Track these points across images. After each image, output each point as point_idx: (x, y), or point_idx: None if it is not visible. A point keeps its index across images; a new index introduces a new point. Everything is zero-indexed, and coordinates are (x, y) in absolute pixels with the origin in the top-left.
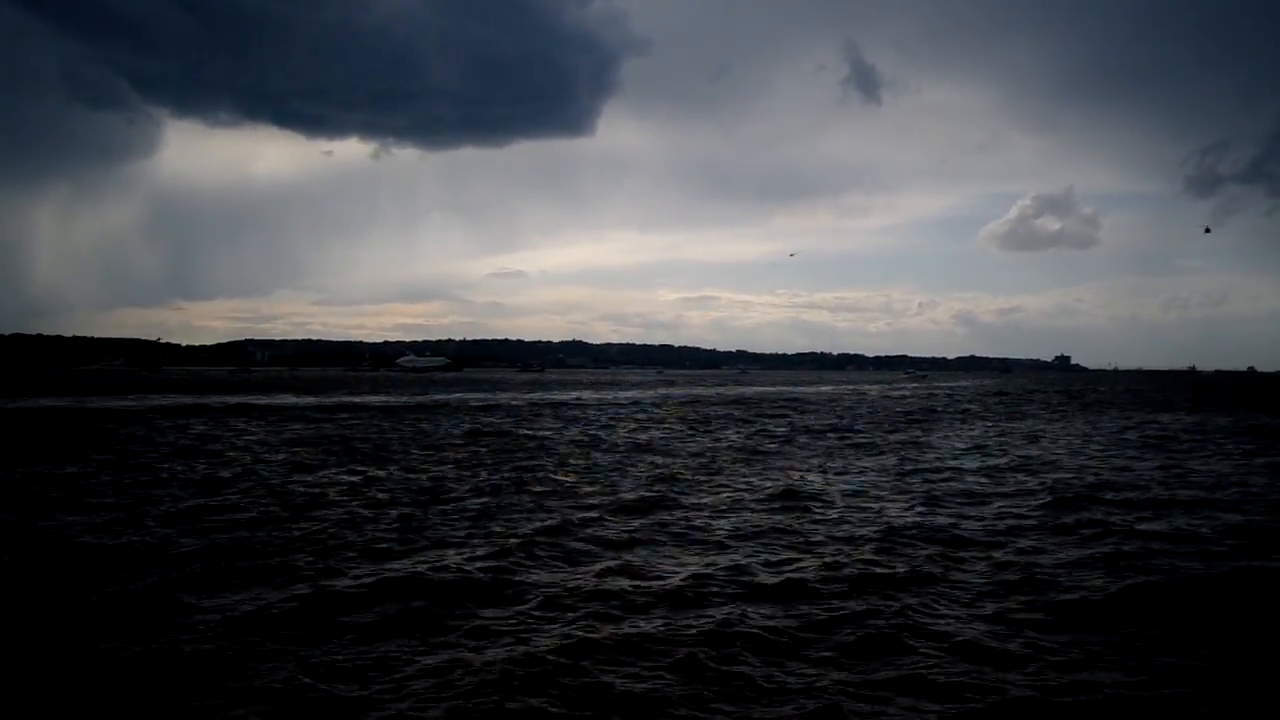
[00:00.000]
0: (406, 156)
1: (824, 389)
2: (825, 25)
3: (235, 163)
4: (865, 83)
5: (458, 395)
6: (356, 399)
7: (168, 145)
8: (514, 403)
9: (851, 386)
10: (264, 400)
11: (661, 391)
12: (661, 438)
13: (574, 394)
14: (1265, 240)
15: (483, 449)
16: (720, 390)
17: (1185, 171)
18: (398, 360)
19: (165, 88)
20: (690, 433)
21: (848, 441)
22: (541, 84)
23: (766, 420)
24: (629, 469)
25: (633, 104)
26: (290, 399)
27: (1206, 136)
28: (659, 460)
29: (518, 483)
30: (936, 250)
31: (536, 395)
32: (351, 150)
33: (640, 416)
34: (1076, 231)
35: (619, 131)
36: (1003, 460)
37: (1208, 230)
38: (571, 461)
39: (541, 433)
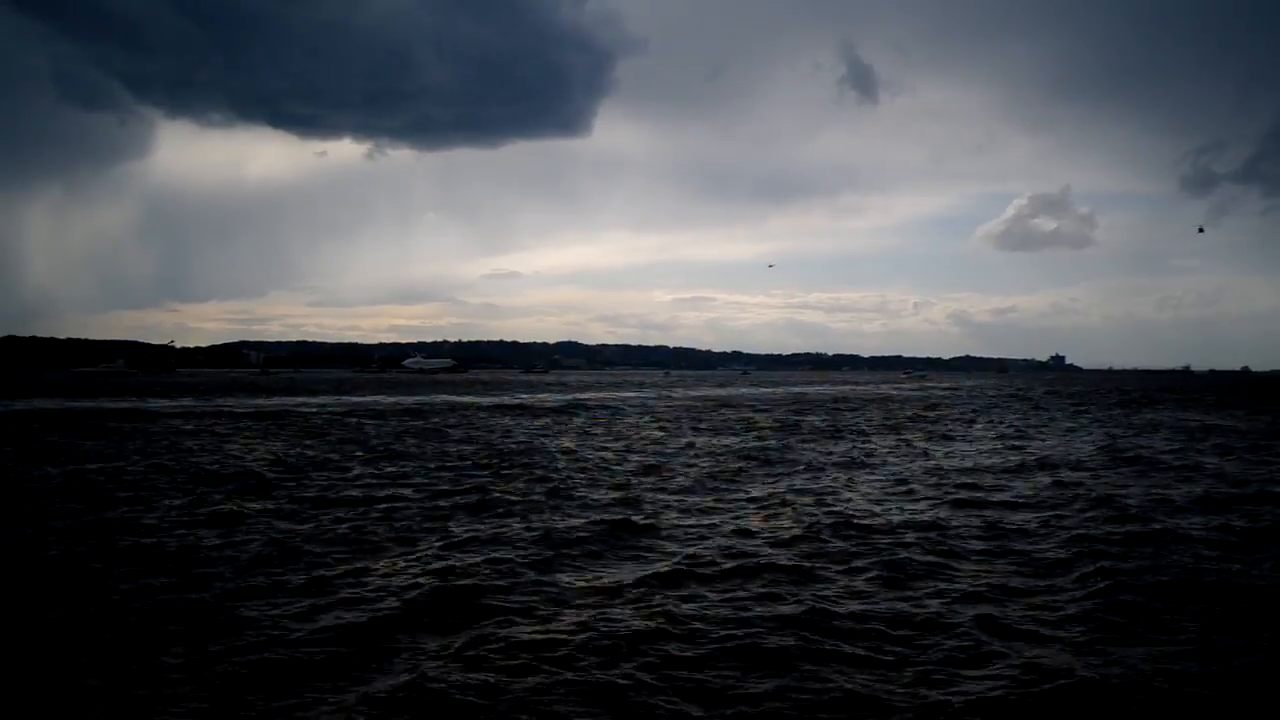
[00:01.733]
0: (401, 157)
1: (858, 389)
2: (822, 24)
3: (228, 164)
4: (862, 82)
5: (539, 396)
6: (463, 398)
7: (160, 146)
8: (631, 403)
9: (887, 386)
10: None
11: (701, 393)
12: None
13: (636, 393)
14: (1260, 239)
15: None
16: (770, 390)
17: (1181, 171)
18: (404, 362)
19: (158, 88)
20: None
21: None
22: (537, 84)
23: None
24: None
25: (628, 104)
26: (384, 399)
27: (1202, 136)
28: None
29: None
30: (932, 250)
31: (633, 395)
32: (345, 151)
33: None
34: (1072, 231)
35: (614, 132)
36: None
37: (1201, 230)
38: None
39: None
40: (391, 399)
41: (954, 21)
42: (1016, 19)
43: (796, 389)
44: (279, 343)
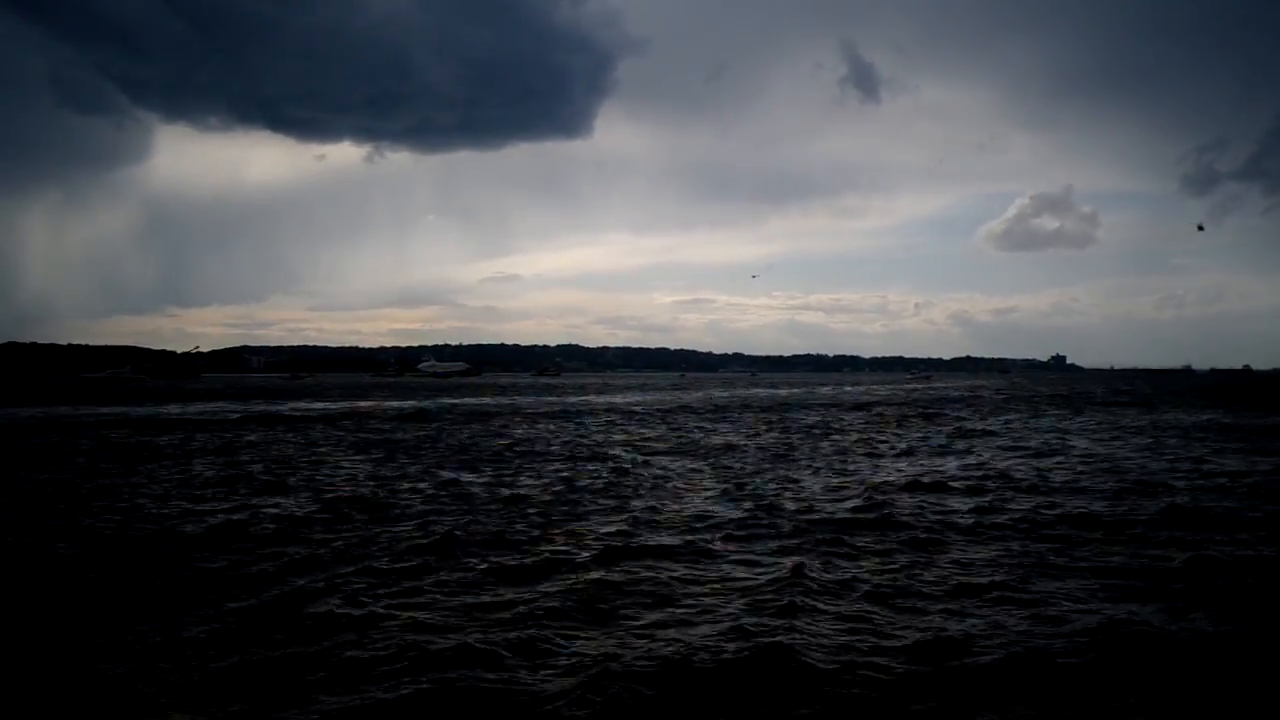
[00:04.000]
0: (401, 160)
1: (907, 388)
2: (823, 24)
3: (227, 168)
4: (864, 82)
5: (633, 399)
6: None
7: (159, 151)
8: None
9: (921, 387)
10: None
11: (763, 392)
12: None
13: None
14: (1262, 238)
15: None
16: (825, 391)
17: (1183, 169)
18: (419, 365)
19: (155, 92)
20: None
21: None
22: (537, 85)
23: None
24: None
25: (629, 105)
26: (474, 400)
27: (1204, 134)
28: None
29: None
30: (933, 251)
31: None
32: (345, 154)
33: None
34: (1074, 231)
35: (615, 133)
36: None
37: (1200, 228)
38: None
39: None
40: (521, 400)
41: (956, 20)
42: (1018, 18)
43: (839, 389)
44: (280, 347)
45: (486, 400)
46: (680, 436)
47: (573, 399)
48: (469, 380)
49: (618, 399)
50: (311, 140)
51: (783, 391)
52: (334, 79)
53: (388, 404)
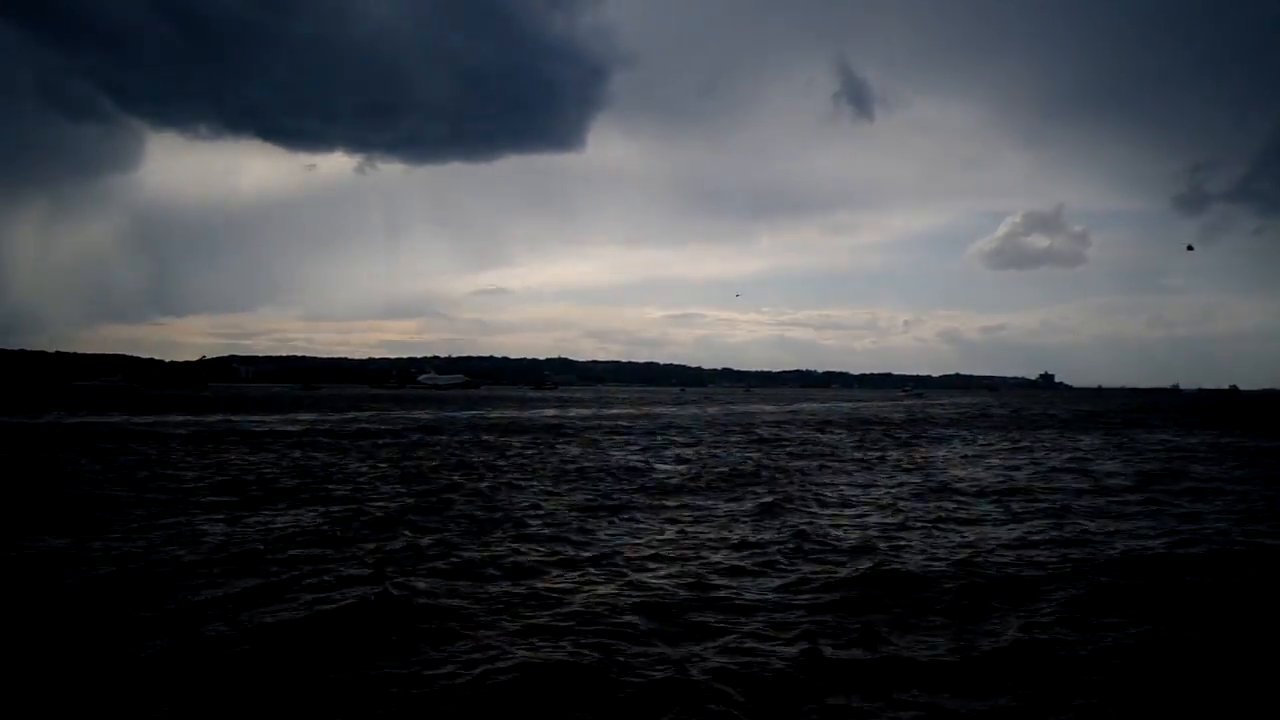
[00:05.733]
0: (392, 171)
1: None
2: (817, 40)
3: (217, 176)
4: (856, 98)
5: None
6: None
7: (148, 159)
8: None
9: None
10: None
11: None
12: None
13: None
14: (1251, 259)
15: None
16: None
17: (1174, 189)
18: (419, 378)
19: (145, 100)
20: None
21: None
22: (530, 98)
23: None
24: None
25: (622, 119)
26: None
27: (1196, 154)
28: None
29: None
30: (923, 268)
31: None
32: (336, 164)
33: None
34: (1065, 249)
35: (608, 147)
36: None
37: (1190, 248)
38: None
39: None
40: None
41: (949, 37)
42: (1011, 35)
43: (898, 404)
44: (269, 357)
45: (599, 414)
46: None
47: (632, 411)
48: (471, 393)
49: (669, 409)
50: (302, 150)
51: (813, 406)
52: (325, 89)
53: (468, 416)
